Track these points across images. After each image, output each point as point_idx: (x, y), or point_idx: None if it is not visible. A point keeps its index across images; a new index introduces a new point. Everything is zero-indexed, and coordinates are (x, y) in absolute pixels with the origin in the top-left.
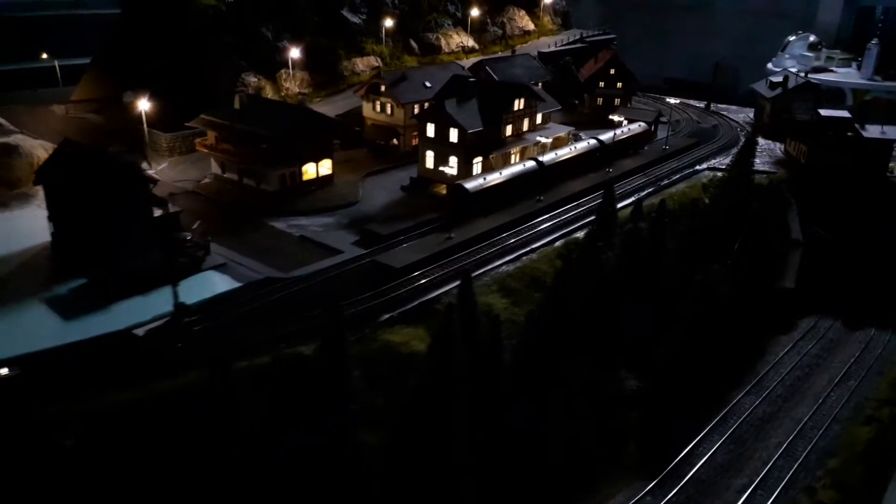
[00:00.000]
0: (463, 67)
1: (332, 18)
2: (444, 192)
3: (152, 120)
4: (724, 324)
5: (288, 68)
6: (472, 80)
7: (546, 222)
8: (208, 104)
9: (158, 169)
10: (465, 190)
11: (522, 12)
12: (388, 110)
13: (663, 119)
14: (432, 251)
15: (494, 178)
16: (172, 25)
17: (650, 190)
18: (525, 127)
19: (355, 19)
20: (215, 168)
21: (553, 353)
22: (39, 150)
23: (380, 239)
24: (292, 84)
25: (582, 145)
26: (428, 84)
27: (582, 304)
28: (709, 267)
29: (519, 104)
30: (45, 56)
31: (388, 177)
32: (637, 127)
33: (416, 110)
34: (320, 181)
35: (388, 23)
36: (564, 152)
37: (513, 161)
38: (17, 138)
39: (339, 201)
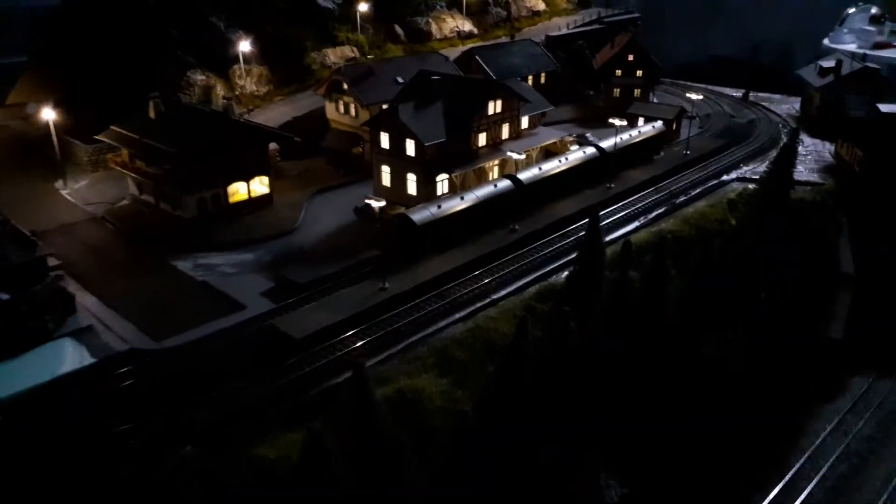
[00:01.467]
0: (446, 58)
1: (301, 4)
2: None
3: (78, 129)
4: (740, 400)
5: (246, 62)
6: (435, 77)
7: (518, 261)
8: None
9: (75, 188)
10: (411, 222)
11: None
12: (353, 112)
13: (690, 113)
14: (355, 310)
15: (453, 204)
16: (110, 17)
17: (661, 211)
18: (504, 134)
19: (328, 4)
20: (133, 189)
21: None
22: None
23: (296, 289)
24: (247, 82)
25: (576, 156)
26: (400, 80)
27: (538, 392)
28: (721, 333)
29: (494, 107)
30: None
31: (344, 194)
32: (650, 129)
33: None
34: (254, 203)
35: (364, 7)
36: (551, 166)
37: (491, 177)
38: None
39: (269, 230)
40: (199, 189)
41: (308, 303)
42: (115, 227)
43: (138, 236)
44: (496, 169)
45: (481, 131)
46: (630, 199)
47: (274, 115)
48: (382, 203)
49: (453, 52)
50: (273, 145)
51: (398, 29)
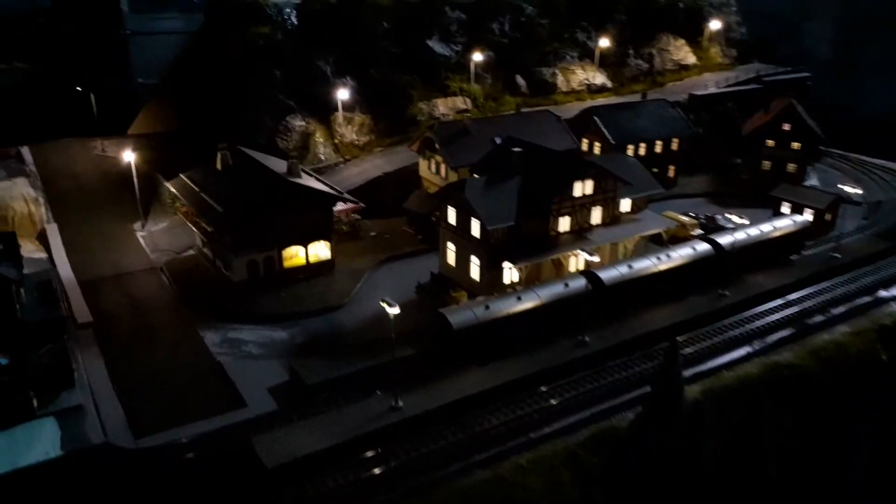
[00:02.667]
0: (558, 118)
1: (415, 49)
2: (464, 298)
3: (170, 167)
4: None
5: (347, 110)
6: (516, 150)
7: (576, 386)
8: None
9: (151, 230)
10: (448, 325)
11: (681, 42)
12: (443, 172)
13: (854, 198)
14: (352, 433)
15: (506, 306)
16: (222, 56)
17: (783, 335)
18: (595, 219)
19: (444, 51)
20: (198, 240)
21: None
22: (19, 203)
23: (303, 391)
24: (348, 130)
25: (682, 254)
26: (499, 140)
27: None
28: None
29: (583, 188)
30: None
31: (414, 264)
32: (789, 223)
33: None
34: (312, 269)
35: (479, 56)
36: (645, 264)
37: (572, 268)
38: (2, 186)
39: (316, 303)
40: (250, 251)
41: (307, 413)
42: (168, 280)
43: (185, 295)
44: (571, 261)
45: (563, 215)
46: (746, 313)
47: (367, 167)
48: (396, 310)
49: (578, 108)
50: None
51: (519, 79)
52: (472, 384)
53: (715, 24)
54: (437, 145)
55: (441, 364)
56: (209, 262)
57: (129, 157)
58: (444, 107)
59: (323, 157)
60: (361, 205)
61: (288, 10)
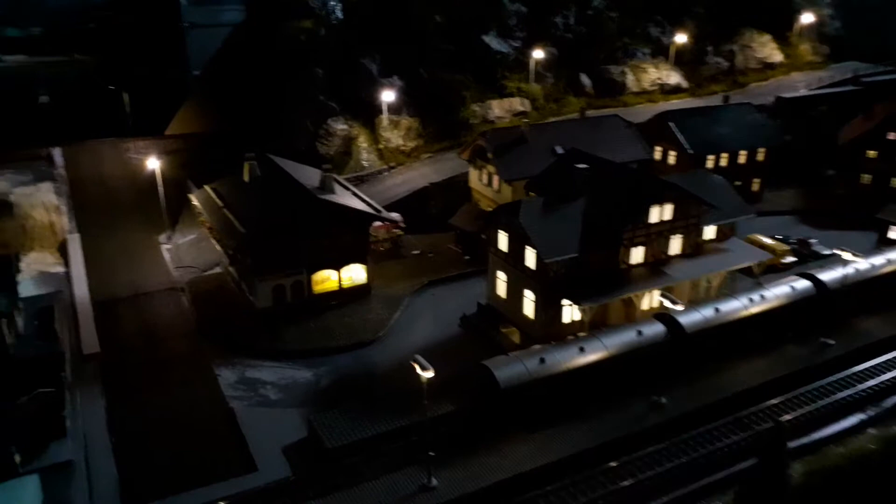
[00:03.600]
0: (628, 124)
1: (470, 46)
2: (516, 337)
3: (201, 174)
4: None
5: (392, 112)
6: (581, 166)
7: (650, 465)
8: (285, 156)
9: (178, 243)
10: (493, 381)
11: (766, 37)
12: (495, 185)
13: None
14: None
15: (565, 358)
16: (262, 52)
17: None
18: (674, 249)
19: (502, 47)
20: (224, 257)
21: None
22: (39, 212)
23: (320, 454)
24: (393, 135)
25: (777, 293)
26: (559, 150)
27: None
28: None
29: (660, 213)
30: None
31: (460, 289)
32: None
33: None
34: (346, 294)
35: (539, 53)
36: (734, 306)
37: (645, 306)
38: (23, 192)
39: (347, 336)
40: (275, 275)
41: (324, 488)
42: (189, 303)
43: (204, 322)
44: (653, 296)
45: (637, 245)
46: (855, 368)
47: (413, 175)
48: (430, 374)
49: (649, 112)
50: (396, 215)
51: (584, 78)
52: (524, 457)
53: (807, 18)
54: (488, 154)
55: (485, 427)
56: (235, 282)
57: (154, 164)
58: (499, 109)
59: (366, 164)
60: (402, 224)
61: (332, 2)
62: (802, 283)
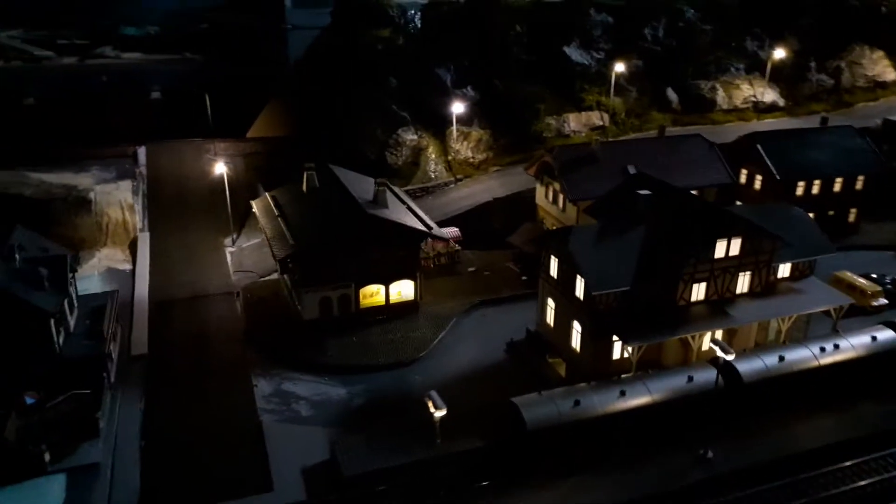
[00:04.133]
0: (711, 145)
1: (549, 56)
2: (562, 369)
3: (272, 177)
4: None
5: (464, 124)
6: (643, 192)
7: None
8: (354, 165)
9: (242, 246)
10: (521, 420)
11: (879, 53)
12: (560, 203)
13: None
14: None
15: (602, 401)
16: (341, 59)
17: None
18: (741, 288)
19: (583, 59)
20: None
21: None
22: (115, 209)
23: (338, 482)
24: (463, 146)
25: (855, 343)
26: (632, 170)
27: None
28: None
29: (727, 248)
30: None
31: (511, 312)
32: None
33: None
34: (393, 309)
35: (621, 67)
36: (801, 356)
37: (706, 347)
38: (103, 190)
39: (389, 353)
40: (322, 287)
41: None
42: (241, 309)
43: (251, 330)
44: (701, 340)
45: (699, 281)
46: None
47: (479, 189)
48: (443, 412)
49: (739, 131)
50: (453, 230)
51: (671, 93)
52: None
53: None
54: (555, 171)
55: (510, 468)
56: (287, 291)
57: (221, 168)
58: (576, 122)
59: (433, 175)
60: (459, 239)
61: (412, 11)
62: (886, 334)
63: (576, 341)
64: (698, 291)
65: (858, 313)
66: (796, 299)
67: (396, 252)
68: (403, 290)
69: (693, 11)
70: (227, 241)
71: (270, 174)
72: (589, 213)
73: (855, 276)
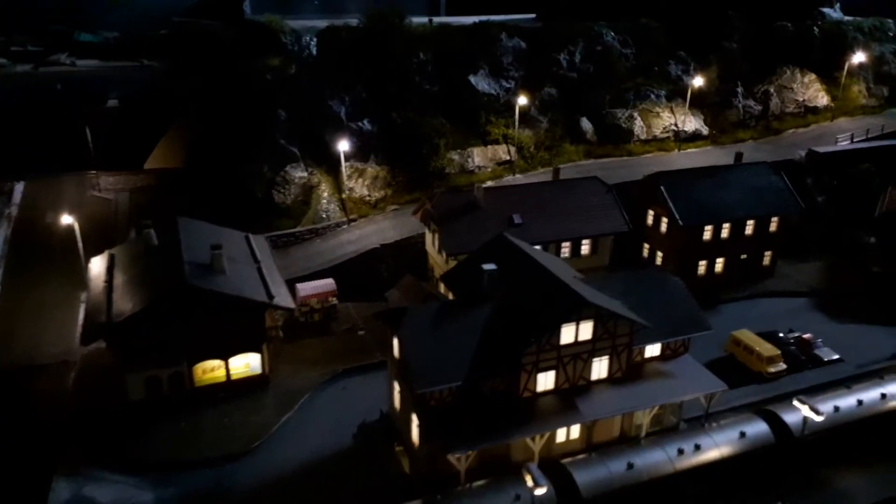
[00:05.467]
0: (609, 189)
1: (454, 86)
2: (406, 465)
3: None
4: None
5: (359, 159)
6: (489, 269)
7: None
8: (241, 204)
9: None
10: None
11: (811, 77)
12: (445, 255)
13: None
14: None
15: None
16: (229, 89)
17: None
18: (599, 372)
19: (491, 88)
20: None
21: None
22: None
23: None
24: (357, 184)
25: (720, 439)
26: (518, 219)
27: None
28: None
29: (577, 332)
30: None
31: (378, 383)
32: None
33: None
34: (238, 386)
35: (522, 100)
36: (655, 459)
37: (561, 438)
38: None
39: (216, 444)
40: (148, 366)
41: None
42: (71, 385)
43: (73, 410)
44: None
45: (544, 370)
46: None
47: (372, 230)
48: None
49: (657, 163)
50: (327, 283)
51: (585, 123)
52: None
53: (859, 56)
54: (432, 223)
55: None
56: None
57: (67, 219)
58: (481, 157)
59: (325, 215)
60: (333, 299)
61: (308, 37)
62: (756, 428)
63: (415, 434)
64: (546, 381)
65: (756, 379)
66: (662, 386)
67: (236, 323)
68: (251, 362)
69: (613, 35)
70: (83, 295)
71: (153, 213)
72: (444, 279)
73: (754, 337)
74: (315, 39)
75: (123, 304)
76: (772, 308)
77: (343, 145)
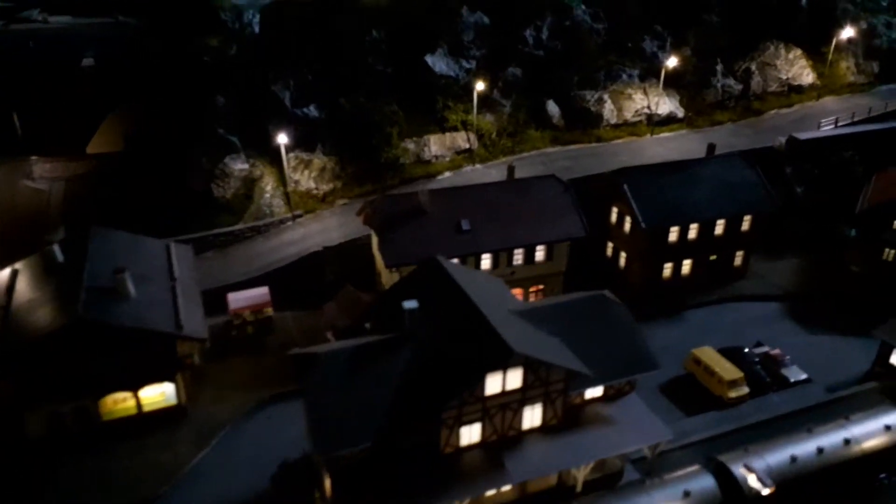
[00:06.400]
0: (566, 187)
1: (408, 67)
2: None
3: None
4: None
5: (305, 149)
6: (408, 307)
7: None
8: (179, 198)
9: None
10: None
11: (796, 52)
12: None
13: None
14: None
15: None
16: (161, 74)
17: None
18: (531, 421)
19: (450, 70)
20: None
21: None
22: None
23: None
24: (304, 176)
25: (660, 496)
26: (466, 225)
27: None
28: None
29: (503, 382)
30: None
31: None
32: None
33: None
34: (150, 419)
35: (480, 85)
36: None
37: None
38: None
39: (115, 491)
40: (49, 400)
41: None
42: None
43: None
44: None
45: (468, 423)
46: None
47: (318, 228)
48: None
49: (629, 149)
50: (260, 292)
51: (552, 107)
52: None
53: (847, 32)
54: (375, 229)
55: None
56: None
57: None
58: (438, 146)
59: (269, 211)
60: (268, 310)
61: (250, 13)
62: (701, 484)
63: (328, 486)
64: (470, 434)
65: (716, 403)
66: (602, 436)
67: (141, 354)
68: (167, 391)
69: (584, 8)
70: None
71: (87, 208)
72: (366, 318)
73: (715, 356)
74: (258, 16)
75: (20, 331)
76: (741, 314)
77: (282, 137)
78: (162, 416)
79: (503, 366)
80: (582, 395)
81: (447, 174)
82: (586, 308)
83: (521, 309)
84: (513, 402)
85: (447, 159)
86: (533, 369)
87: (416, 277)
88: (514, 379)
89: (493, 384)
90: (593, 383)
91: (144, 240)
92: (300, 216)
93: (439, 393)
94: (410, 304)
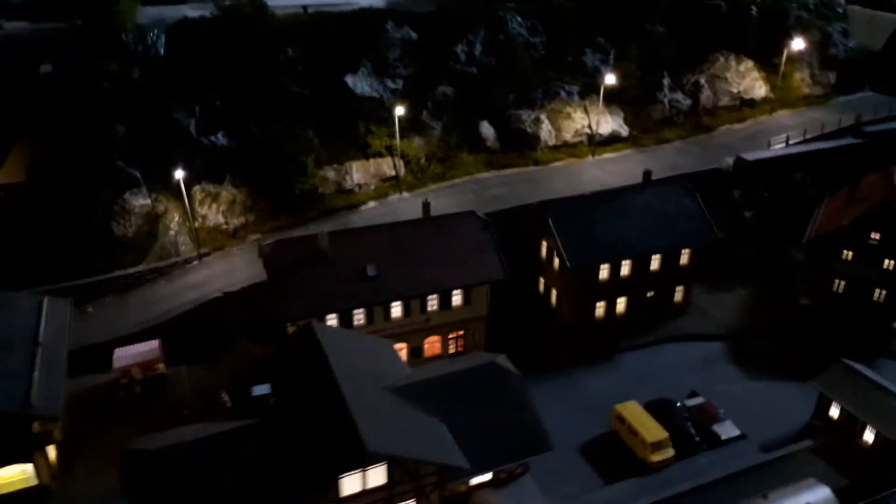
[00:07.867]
0: (487, 223)
1: (326, 89)
2: None
3: None
4: None
5: (212, 181)
6: (259, 391)
7: None
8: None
9: None
10: None
11: (747, 64)
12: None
13: None
14: None
15: None
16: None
17: None
18: None
19: (372, 90)
20: None
21: None
22: None
23: None
24: (211, 211)
25: None
26: (371, 272)
27: None
28: None
29: (364, 480)
30: None
31: None
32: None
33: None
34: (8, 501)
35: (400, 110)
36: None
37: None
38: None
39: None
40: None
41: None
42: None
43: None
44: None
45: None
46: None
47: (222, 270)
48: None
49: (569, 173)
50: (149, 346)
51: (486, 128)
52: None
53: (800, 42)
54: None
55: None
56: None
57: None
58: (361, 173)
59: (174, 250)
60: (160, 366)
61: (154, 34)
62: None
63: None
64: None
65: (639, 468)
66: None
67: None
68: (28, 469)
69: (519, 20)
70: None
71: None
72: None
73: (639, 413)
74: (163, 37)
75: None
76: (679, 357)
77: (179, 172)
78: (22, 498)
79: (359, 465)
80: (466, 482)
81: (371, 204)
82: (477, 379)
83: (403, 384)
84: (378, 500)
85: (372, 188)
86: (398, 464)
87: (291, 346)
88: (377, 477)
89: (352, 484)
90: (472, 474)
91: (12, 298)
92: (207, 255)
93: (289, 497)
94: (260, 390)
